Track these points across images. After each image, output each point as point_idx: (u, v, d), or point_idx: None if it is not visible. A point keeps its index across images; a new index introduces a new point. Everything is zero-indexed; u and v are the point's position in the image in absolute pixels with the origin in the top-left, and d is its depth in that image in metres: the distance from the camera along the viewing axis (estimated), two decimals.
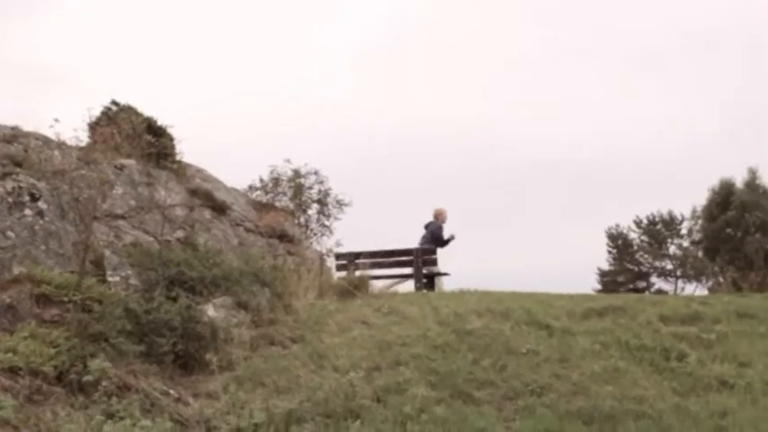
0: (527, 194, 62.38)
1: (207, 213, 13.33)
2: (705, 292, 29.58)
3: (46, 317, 8.53)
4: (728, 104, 66.40)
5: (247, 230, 14.20)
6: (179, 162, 13.94)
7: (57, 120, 10.56)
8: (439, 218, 16.99)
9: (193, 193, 13.42)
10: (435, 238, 16.61)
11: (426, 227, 16.88)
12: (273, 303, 10.92)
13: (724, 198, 34.47)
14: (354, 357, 9.52)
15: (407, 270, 16.13)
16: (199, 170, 14.63)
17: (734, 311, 12.25)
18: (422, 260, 15.95)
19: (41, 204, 10.14)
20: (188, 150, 14.24)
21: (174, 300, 9.23)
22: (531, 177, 65.32)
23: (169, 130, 13.95)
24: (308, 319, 10.93)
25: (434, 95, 71.68)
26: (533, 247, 51.99)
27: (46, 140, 11.28)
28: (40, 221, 10.00)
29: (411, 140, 65.89)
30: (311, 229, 17.49)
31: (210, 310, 9.74)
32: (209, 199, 13.58)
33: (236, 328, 9.82)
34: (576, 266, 44.88)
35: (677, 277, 44.08)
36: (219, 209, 13.75)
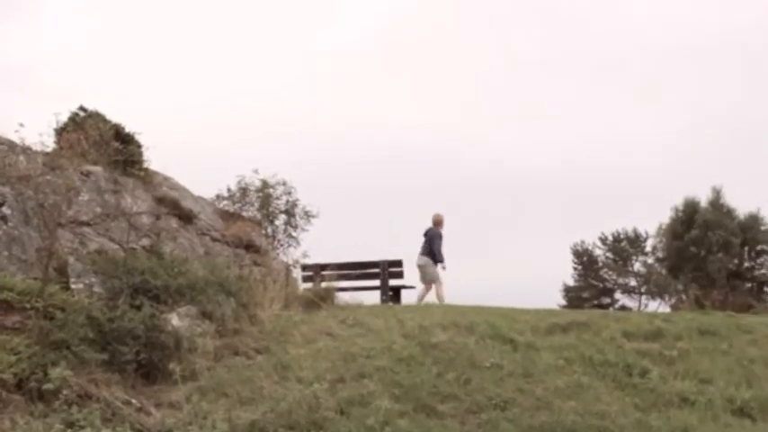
0: (492, 208, 62.61)
1: (173, 222, 13.24)
2: (668, 310, 29.83)
3: (7, 324, 8.40)
4: (696, 124, 67.15)
5: (214, 240, 14.14)
6: (146, 169, 13.85)
7: (22, 125, 10.49)
8: (438, 224, 16.51)
9: (160, 201, 13.33)
10: (432, 246, 16.13)
11: (425, 234, 16.45)
12: (238, 313, 10.84)
13: (688, 216, 34.82)
14: (319, 369, 9.48)
15: (374, 282, 16.23)
16: (166, 178, 14.53)
17: (696, 329, 12.37)
18: (388, 272, 16.05)
19: (5, 210, 10.02)
20: (156, 158, 14.17)
21: (138, 308, 9.12)
22: (496, 191, 65.58)
23: (137, 137, 13.87)
24: (273, 329, 10.89)
25: (412, 103, 71.74)
26: (498, 261, 52.18)
27: (11, 145, 11.12)
28: (4, 227, 9.89)
29: (380, 149, 66.09)
30: (278, 240, 17.45)
31: (175, 320, 9.64)
32: (175, 207, 13.49)
33: (201, 337, 9.71)
34: (541, 282, 45.11)
35: (641, 294, 44.46)
36: (186, 217, 13.67)
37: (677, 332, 12.14)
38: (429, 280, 16.07)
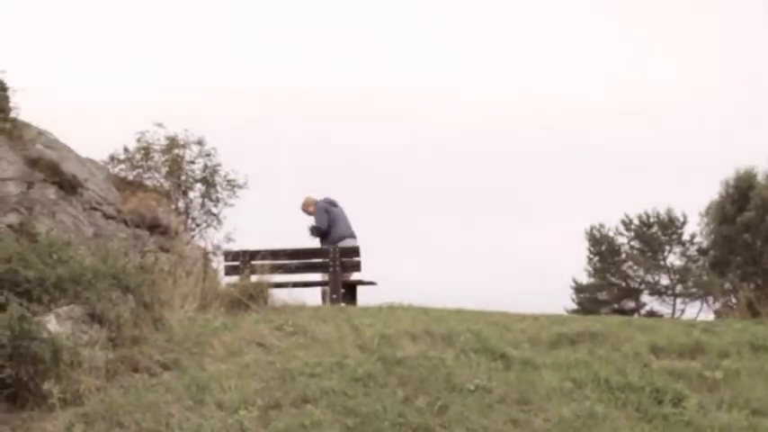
0: (480, 180, 62.84)
1: (51, 192, 13.20)
2: (711, 317, 30.15)
3: None
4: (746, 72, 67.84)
5: (107, 217, 14.15)
6: (13, 121, 13.72)
7: None
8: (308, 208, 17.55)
9: (33, 163, 13.24)
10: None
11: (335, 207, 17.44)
12: (139, 316, 10.83)
13: (741, 194, 35.07)
14: (246, 391, 9.49)
15: (321, 276, 16.41)
16: (41, 133, 14.42)
17: (747, 342, 12.44)
18: (340, 263, 16.10)
19: None
20: (28, 106, 14.05)
21: (3, 308, 9.06)
22: (484, 151, 65.84)
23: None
24: (186, 338, 10.90)
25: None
26: (487, 251, 52.42)
27: None
28: None
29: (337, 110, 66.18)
30: (193, 218, 17.63)
31: (52, 324, 9.55)
32: (54, 173, 13.41)
33: (88, 347, 9.67)
34: (543, 278, 45.34)
35: (675, 296, 44.89)
36: (69, 186, 13.62)
37: (722, 347, 12.19)
38: None
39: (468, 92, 74.99)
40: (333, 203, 17.73)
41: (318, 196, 17.72)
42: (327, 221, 17.51)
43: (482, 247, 52.43)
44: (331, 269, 16.15)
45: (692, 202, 51.66)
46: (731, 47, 71.70)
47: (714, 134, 61.24)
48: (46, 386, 8.54)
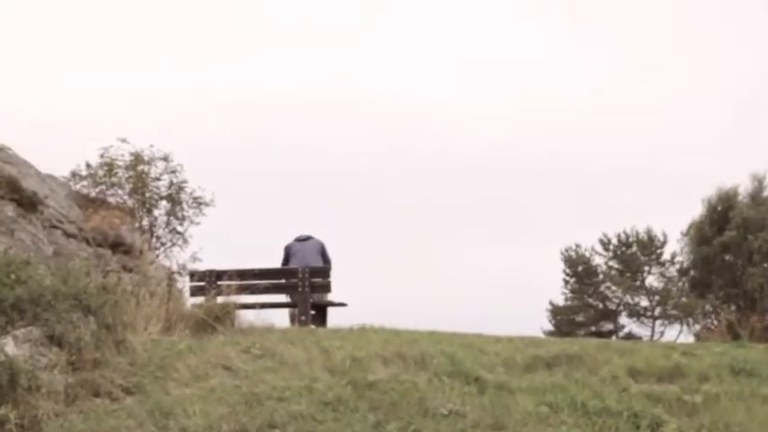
0: (452, 194, 62.97)
1: (10, 209, 13.18)
2: (691, 339, 30.25)
3: None
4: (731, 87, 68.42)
5: (68, 235, 14.08)
6: None
7: None
8: None
9: None
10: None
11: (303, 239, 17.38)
12: (100, 338, 10.71)
13: (722, 214, 35.17)
14: (212, 416, 9.41)
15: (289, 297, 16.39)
16: (0, 148, 14.36)
17: (728, 366, 12.54)
18: (309, 284, 16.08)
19: None
20: None
21: None
22: (457, 171, 66.06)
23: None
24: (149, 361, 10.81)
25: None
26: (460, 270, 52.45)
27: None
28: None
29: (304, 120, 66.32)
30: (157, 237, 17.52)
31: (10, 346, 9.49)
32: (13, 189, 13.35)
33: (46, 371, 9.57)
34: (519, 300, 45.40)
35: (655, 318, 44.99)
36: (28, 204, 13.58)
37: (702, 370, 12.28)
38: None
39: (452, 103, 75.18)
40: (300, 239, 17.67)
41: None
42: (283, 258, 17.55)
43: (455, 264, 52.49)
44: (300, 290, 16.10)
45: (673, 221, 51.94)
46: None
47: (698, 150, 61.59)
48: (2, 411, 8.46)
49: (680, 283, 42.36)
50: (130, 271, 14.17)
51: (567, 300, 46.81)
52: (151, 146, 17.42)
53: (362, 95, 69.22)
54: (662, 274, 45.42)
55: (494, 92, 79.35)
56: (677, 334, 39.95)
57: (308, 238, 17.43)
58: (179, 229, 17.79)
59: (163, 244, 17.50)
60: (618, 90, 71.57)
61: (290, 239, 17.68)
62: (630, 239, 46.37)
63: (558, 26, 77.92)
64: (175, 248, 17.71)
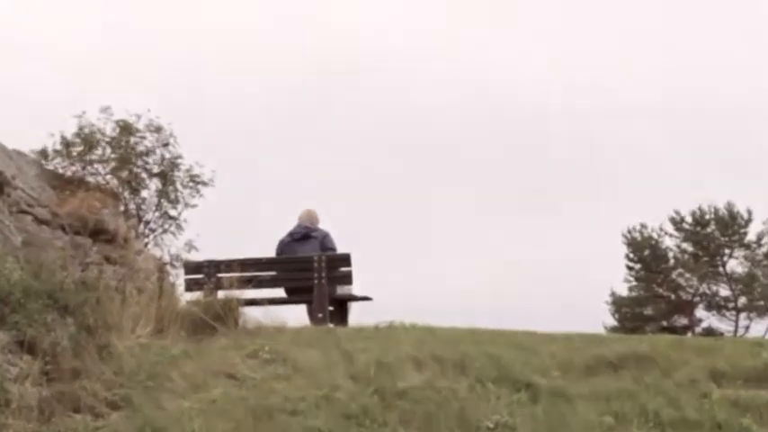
0: (497, 174, 62.70)
1: None
2: None
3: None
4: None
5: (39, 221, 14.02)
6: None
7: None
8: (315, 222, 17.08)
9: None
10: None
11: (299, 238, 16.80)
12: (80, 343, 10.37)
13: None
14: None
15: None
16: None
17: None
18: (327, 276, 15.65)
19: None
20: None
21: None
22: (503, 143, 65.96)
23: None
24: (138, 369, 10.42)
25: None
26: (507, 255, 51.85)
27: None
28: None
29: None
30: (146, 222, 17.43)
31: None
32: None
33: (17, 383, 9.26)
34: (575, 290, 44.81)
35: (738, 310, 44.25)
36: None
37: None
38: None
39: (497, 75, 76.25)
40: (297, 236, 16.99)
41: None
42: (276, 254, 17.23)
43: (499, 253, 52.24)
44: (316, 282, 15.69)
45: (758, 194, 50.35)
46: None
47: None
48: None
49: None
50: (114, 263, 14.22)
51: (631, 290, 46.58)
52: (139, 116, 17.40)
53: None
54: (746, 258, 44.67)
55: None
56: (766, 329, 39.86)
57: (306, 237, 16.81)
58: (172, 212, 17.80)
59: (153, 230, 17.48)
60: None
61: (283, 234, 17.12)
62: (707, 217, 45.51)
63: None
64: (167, 236, 17.82)
